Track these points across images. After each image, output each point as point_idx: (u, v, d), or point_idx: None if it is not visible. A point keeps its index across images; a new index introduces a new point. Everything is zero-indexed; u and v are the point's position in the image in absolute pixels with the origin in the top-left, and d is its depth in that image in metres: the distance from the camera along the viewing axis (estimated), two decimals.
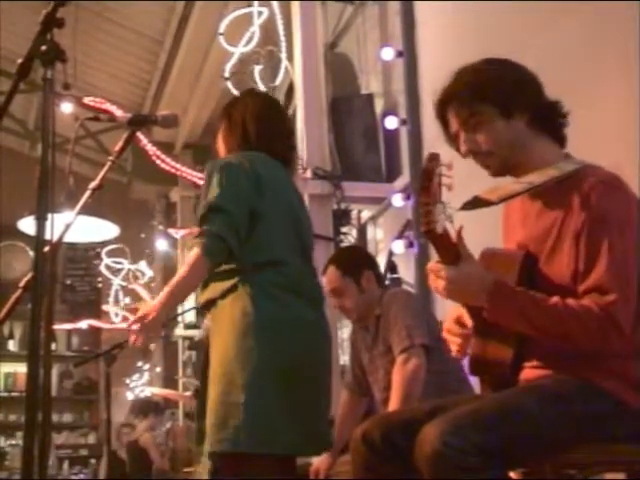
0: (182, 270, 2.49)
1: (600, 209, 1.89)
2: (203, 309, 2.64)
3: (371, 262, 3.60)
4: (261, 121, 2.75)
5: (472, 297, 1.92)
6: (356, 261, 3.53)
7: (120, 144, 2.48)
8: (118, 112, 7.78)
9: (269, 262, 2.56)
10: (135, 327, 2.40)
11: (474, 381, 3.18)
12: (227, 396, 2.43)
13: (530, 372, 1.99)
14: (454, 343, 2.09)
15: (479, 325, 2.00)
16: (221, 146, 2.80)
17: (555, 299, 1.88)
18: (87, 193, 2.46)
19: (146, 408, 8.25)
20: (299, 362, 2.50)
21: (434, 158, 1.80)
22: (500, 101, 2.01)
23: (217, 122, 2.84)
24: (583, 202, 1.91)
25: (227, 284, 2.55)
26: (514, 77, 2.04)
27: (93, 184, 2.46)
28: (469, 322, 2.06)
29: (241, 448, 2.40)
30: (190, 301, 7.91)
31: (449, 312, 2.15)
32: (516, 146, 2.03)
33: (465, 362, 2.15)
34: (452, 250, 1.88)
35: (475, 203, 1.89)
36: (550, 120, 2.06)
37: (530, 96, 2.04)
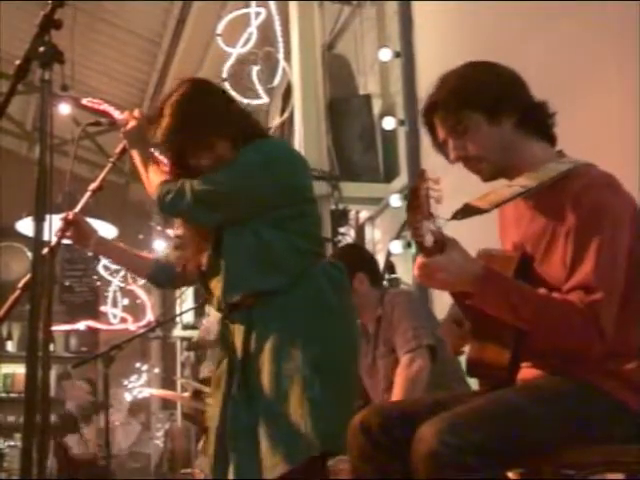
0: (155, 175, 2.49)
1: (591, 208, 1.88)
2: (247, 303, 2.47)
3: (367, 263, 3.58)
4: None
5: (461, 282, 1.90)
6: (350, 262, 3.51)
7: (120, 146, 2.49)
8: (115, 113, 7.83)
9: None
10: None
11: (472, 381, 3.19)
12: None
13: (528, 372, 1.99)
14: (450, 342, 2.10)
15: (476, 328, 2.00)
16: None
17: (542, 291, 1.88)
18: (87, 194, 2.47)
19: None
20: None
21: (420, 175, 1.79)
22: (486, 106, 2.00)
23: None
24: (574, 202, 1.90)
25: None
26: (498, 80, 2.04)
27: (93, 185, 2.47)
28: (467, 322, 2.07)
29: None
30: (189, 302, 7.93)
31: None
32: (506, 149, 2.02)
33: (463, 360, 2.16)
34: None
35: (466, 211, 1.89)
36: (538, 120, 2.05)
37: (516, 98, 2.03)
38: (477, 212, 1.91)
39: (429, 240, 1.80)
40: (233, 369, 2.47)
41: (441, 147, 2.09)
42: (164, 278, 2.76)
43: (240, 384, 2.43)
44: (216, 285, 2.50)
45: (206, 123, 2.42)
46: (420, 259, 1.88)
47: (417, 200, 1.77)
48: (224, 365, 2.52)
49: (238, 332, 2.48)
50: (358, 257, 3.68)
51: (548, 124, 2.06)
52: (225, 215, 2.44)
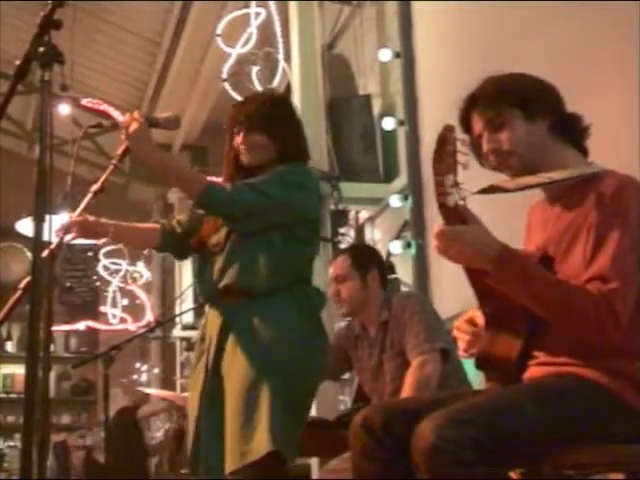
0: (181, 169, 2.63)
1: (613, 203, 1.92)
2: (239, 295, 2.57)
3: (380, 264, 3.58)
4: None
5: (478, 257, 1.91)
6: (368, 257, 3.54)
7: (122, 148, 2.48)
8: (115, 113, 7.83)
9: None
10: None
11: (474, 381, 3.19)
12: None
13: (535, 370, 1.99)
14: (463, 340, 2.11)
15: (490, 319, 2.02)
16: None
17: (560, 277, 1.91)
18: (89, 195, 2.46)
19: None
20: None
21: (450, 129, 1.82)
22: (524, 104, 2.07)
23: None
24: (598, 199, 1.95)
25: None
26: (537, 84, 2.12)
27: (95, 187, 2.46)
28: (481, 322, 2.08)
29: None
30: (188, 302, 7.93)
31: (467, 312, 2.16)
32: (538, 148, 2.07)
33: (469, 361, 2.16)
34: (461, 223, 1.89)
35: (491, 189, 1.91)
36: (572, 129, 2.11)
37: (552, 103, 2.10)
38: (502, 191, 1.94)
39: (452, 200, 1.80)
40: (208, 367, 2.56)
41: (475, 145, 2.11)
42: (171, 245, 2.82)
43: (212, 382, 2.53)
44: (217, 266, 2.59)
45: (287, 120, 2.67)
46: (440, 226, 1.89)
47: (443, 148, 1.79)
48: (202, 362, 2.60)
49: (216, 326, 2.59)
50: (374, 255, 3.68)
51: (581, 135, 2.12)
52: (261, 226, 2.55)
